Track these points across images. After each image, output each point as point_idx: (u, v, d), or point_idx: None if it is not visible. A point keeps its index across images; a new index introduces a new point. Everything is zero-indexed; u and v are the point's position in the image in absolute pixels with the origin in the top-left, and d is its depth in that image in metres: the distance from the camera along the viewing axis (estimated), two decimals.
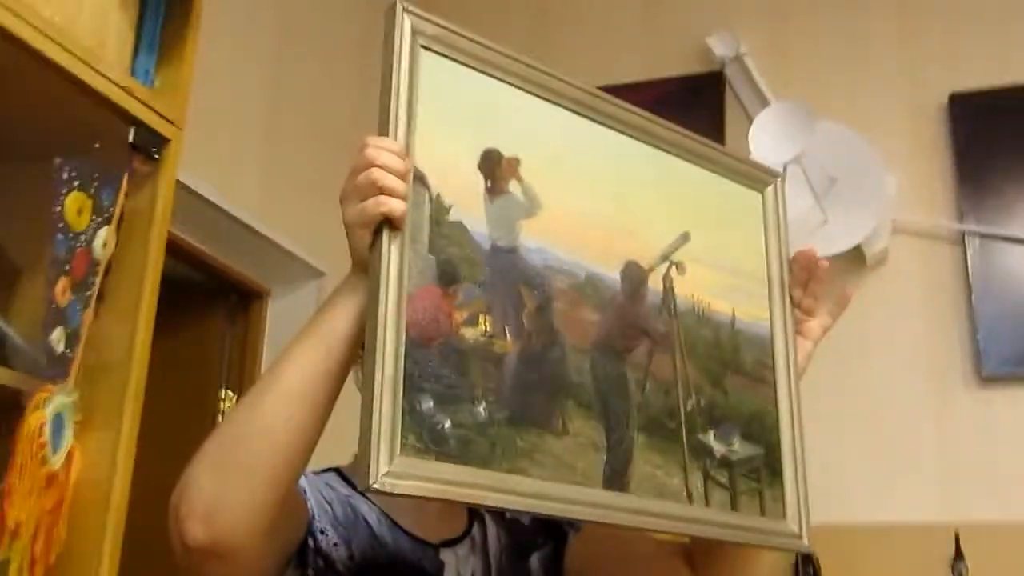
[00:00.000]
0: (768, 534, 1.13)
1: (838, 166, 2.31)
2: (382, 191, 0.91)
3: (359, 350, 0.96)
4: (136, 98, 1.48)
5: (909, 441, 2.26)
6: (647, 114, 1.19)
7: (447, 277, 0.97)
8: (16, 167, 1.50)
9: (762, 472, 1.16)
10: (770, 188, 1.29)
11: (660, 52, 2.87)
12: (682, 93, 2.76)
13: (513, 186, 1.05)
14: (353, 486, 1.17)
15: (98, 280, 1.37)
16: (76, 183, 1.38)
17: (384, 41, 1.01)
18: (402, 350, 0.91)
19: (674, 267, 1.16)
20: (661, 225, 1.16)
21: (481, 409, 0.95)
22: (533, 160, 1.07)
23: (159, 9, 1.57)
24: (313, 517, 1.08)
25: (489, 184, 1.03)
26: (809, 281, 1.21)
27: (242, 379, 2.67)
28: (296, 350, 0.93)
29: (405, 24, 1.01)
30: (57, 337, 1.32)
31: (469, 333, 0.97)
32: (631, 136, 1.17)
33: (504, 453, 0.95)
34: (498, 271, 1.01)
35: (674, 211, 1.18)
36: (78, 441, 1.31)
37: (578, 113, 1.13)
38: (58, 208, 1.36)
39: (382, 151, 0.93)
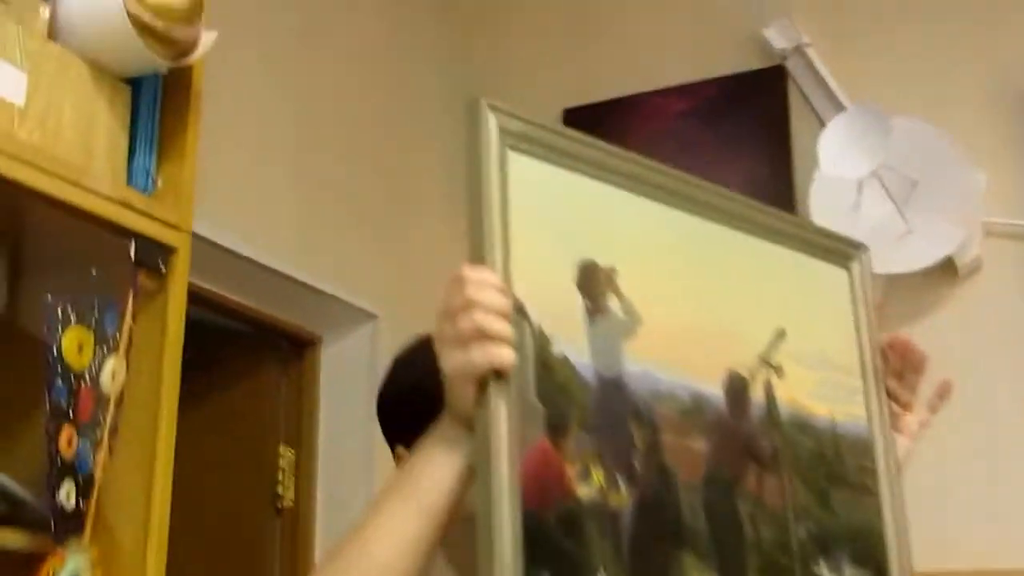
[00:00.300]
0: None
1: (918, 167, 2.06)
2: (487, 338, 0.79)
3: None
4: (134, 209, 1.31)
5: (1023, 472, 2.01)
6: (735, 195, 1.07)
7: (557, 426, 0.85)
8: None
9: None
10: (855, 262, 1.16)
11: (713, 48, 2.59)
12: (740, 91, 2.47)
13: (611, 301, 0.93)
14: None
15: (109, 416, 1.22)
16: (73, 318, 1.22)
17: (468, 145, 0.86)
18: (519, 529, 0.78)
19: (773, 371, 1.05)
20: (757, 322, 1.04)
21: None
22: (629, 267, 0.93)
23: (154, 101, 1.39)
24: None
25: (588, 303, 0.90)
26: (904, 371, 1.11)
27: (300, 431, 2.51)
28: (387, 514, 0.80)
29: (491, 123, 0.87)
30: (67, 492, 1.17)
31: (583, 491, 0.84)
32: (719, 222, 1.04)
33: None
34: (606, 408, 0.88)
35: (767, 303, 1.06)
36: None
37: (667, 203, 1.00)
38: (53, 351, 1.19)
39: (484, 288, 0.79)
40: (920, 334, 2.04)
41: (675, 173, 1.02)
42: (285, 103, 2.34)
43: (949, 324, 2.11)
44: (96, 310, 1.25)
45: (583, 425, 0.86)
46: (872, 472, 1.09)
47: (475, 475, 0.79)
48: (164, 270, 1.32)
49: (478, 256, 0.83)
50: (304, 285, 2.32)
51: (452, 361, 0.78)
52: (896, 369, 1.10)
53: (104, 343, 1.24)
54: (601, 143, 0.95)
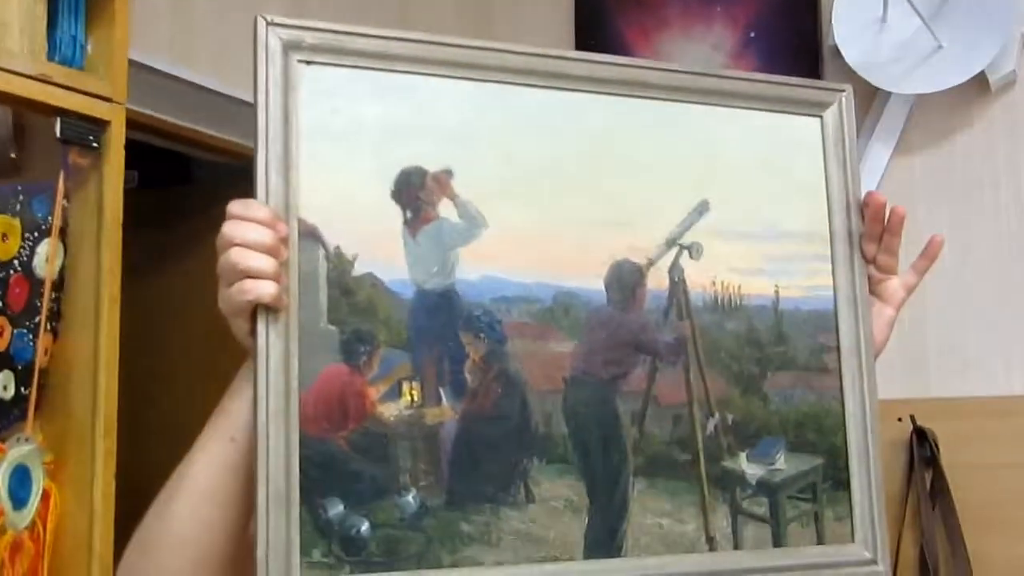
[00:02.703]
0: (829, 567, 0.94)
1: None
2: (246, 275, 0.79)
3: None
4: (58, 85, 1.21)
5: None
6: (634, 60, 0.96)
7: (355, 349, 0.83)
8: None
9: (819, 488, 0.96)
10: (831, 109, 1.01)
11: None
12: None
13: (445, 208, 0.88)
14: None
15: (45, 300, 1.21)
16: None
17: (253, 68, 0.85)
18: (295, 456, 0.79)
19: (685, 252, 0.95)
20: (668, 200, 0.95)
21: (410, 499, 0.83)
22: (471, 167, 0.88)
23: None
24: None
25: (409, 215, 0.86)
26: (883, 234, 0.97)
27: None
28: (201, 444, 0.84)
29: (272, 42, 0.84)
30: (3, 382, 1.18)
31: (389, 410, 0.84)
32: (614, 93, 0.94)
33: (445, 545, 0.83)
34: (427, 323, 0.86)
35: (687, 176, 0.95)
36: (54, 480, 1.21)
37: (533, 85, 0.92)
38: None
39: (243, 224, 0.79)
40: (949, 154, 1.78)
41: (553, 52, 0.94)
42: None
43: (980, 143, 1.83)
44: (21, 195, 1.22)
45: (393, 343, 0.84)
46: (833, 349, 0.98)
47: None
48: (97, 145, 1.24)
49: (254, 187, 0.82)
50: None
51: (220, 297, 0.80)
52: (874, 232, 0.97)
53: (34, 228, 1.22)
54: (424, 35, 0.88)
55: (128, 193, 3.16)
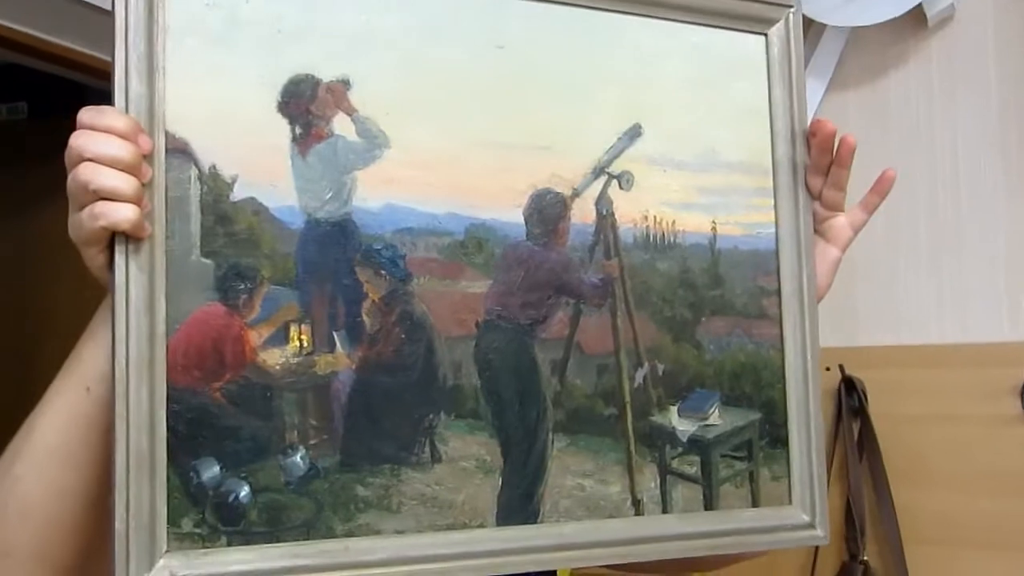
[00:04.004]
0: (764, 532, 0.86)
1: None
2: (99, 196, 0.66)
3: None
4: None
5: (982, 244, 1.70)
6: None
7: (233, 286, 0.71)
8: None
9: (756, 445, 0.88)
10: (777, 26, 0.91)
11: None
12: None
13: (341, 124, 0.76)
14: None
15: None
16: None
17: None
18: (161, 411, 0.67)
19: (615, 182, 0.84)
20: (596, 123, 0.84)
21: (298, 459, 0.72)
22: (372, 77, 0.76)
23: None
24: None
25: (298, 131, 0.74)
26: (831, 166, 0.88)
27: None
28: (51, 394, 0.72)
29: None
30: None
31: (274, 357, 0.72)
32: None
33: (337, 512, 0.72)
34: (318, 257, 0.74)
35: (618, 97, 0.85)
36: None
37: None
38: None
39: (96, 136, 0.66)
40: (884, 90, 1.73)
41: None
42: None
43: (916, 81, 1.77)
44: None
45: (280, 280, 0.72)
46: (774, 294, 0.89)
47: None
48: None
49: (112, 94, 0.69)
50: None
51: (69, 223, 0.67)
52: (820, 164, 0.89)
53: None
54: None
55: (18, 124, 2.94)
